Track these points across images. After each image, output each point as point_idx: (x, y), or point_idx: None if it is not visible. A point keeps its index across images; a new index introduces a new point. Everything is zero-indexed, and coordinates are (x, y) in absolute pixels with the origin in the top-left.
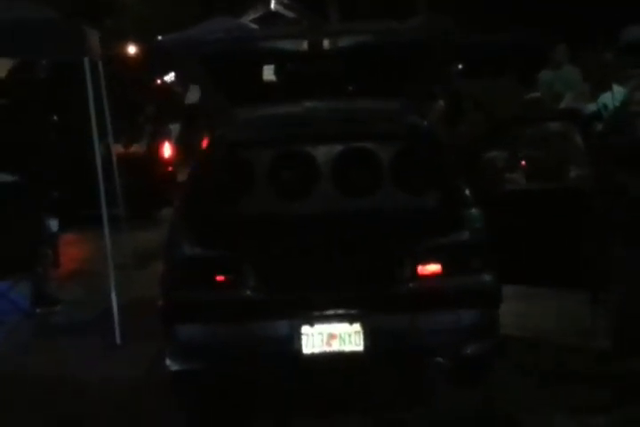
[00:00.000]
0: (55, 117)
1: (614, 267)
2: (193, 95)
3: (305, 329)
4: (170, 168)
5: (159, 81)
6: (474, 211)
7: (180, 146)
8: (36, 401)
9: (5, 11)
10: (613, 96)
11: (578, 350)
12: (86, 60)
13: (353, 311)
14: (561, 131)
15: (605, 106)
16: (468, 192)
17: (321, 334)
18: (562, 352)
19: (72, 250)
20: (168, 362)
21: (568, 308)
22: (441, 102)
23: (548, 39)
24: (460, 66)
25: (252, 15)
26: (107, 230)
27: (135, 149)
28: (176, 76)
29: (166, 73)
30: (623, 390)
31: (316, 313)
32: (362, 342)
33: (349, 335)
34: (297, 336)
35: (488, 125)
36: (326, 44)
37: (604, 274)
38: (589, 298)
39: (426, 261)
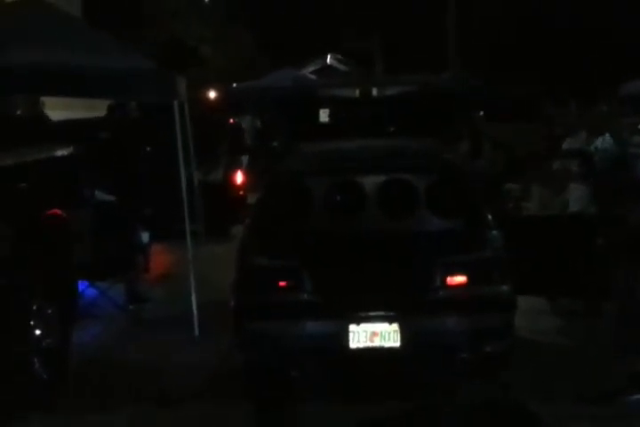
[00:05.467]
0: (148, 149)
1: (616, 282)
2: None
3: (352, 327)
4: (241, 192)
5: (232, 120)
6: (495, 232)
7: (249, 174)
8: (128, 381)
9: (116, 58)
10: (604, 140)
11: (578, 349)
12: (176, 102)
13: (392, 313)
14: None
15: (596, 148)
16: (490, 217)
17: (365, 331)
18: (565, 351)
19: (160, 258)
20: (237, 353)
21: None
22: (466, 142)
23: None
24: (482, 112)
25: (312, 68)
26: (189, 242)
27: (213, 176)
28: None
29: (238, 114)
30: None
31: (362, 314)
32: (399, 339)
33: (389, 333)
34: (345, 333)
35: (506, 162)
36: (374, 92)
37: (603, 288)
38: (585, 308)
39: (454, 274)
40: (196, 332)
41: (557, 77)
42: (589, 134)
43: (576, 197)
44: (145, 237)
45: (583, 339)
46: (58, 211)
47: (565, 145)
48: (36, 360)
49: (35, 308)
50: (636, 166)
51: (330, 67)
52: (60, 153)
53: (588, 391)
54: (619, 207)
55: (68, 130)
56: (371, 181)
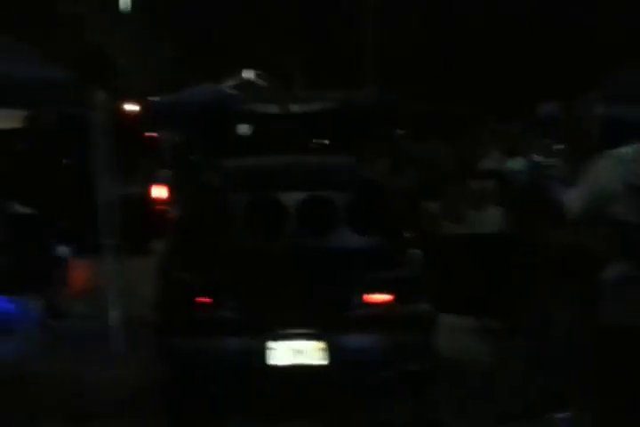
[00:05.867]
0: (65, 161)
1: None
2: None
3: (272, 345)
4: (162, 206)
5: (151, 134)
6: (415, 250)
7: (169, 188)
8: (46, 398)
9: (32, 68)
10: (518, 161)
11: (502, 367)
12: (93, 114)
13: (312, 331)
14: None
15: (511, 169)
16: (409, 234)
17: (287, 349)
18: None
19: (79, 272)
20: (159, 369)
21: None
22: (385, 159)
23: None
24: (400, 130)
25: (231, 82)
26: (109, 257)
27: (133, 190)
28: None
29: (157, 128)
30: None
31: (281, 331)
32: (320, 357)
33: (309, 351)
34: (265, 350)
35: (423, 180)
36: (293, 108)
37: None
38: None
39: (374, 291)
40: (117, 347)
41: (477, 94)
42: (503, 154)
43: (492, 217)
44: (64, 250)
45: (506, 357)
46: None
47: (483, 164)
48: None
49: None
50: (550, 188)
51: (249, 82)
52: None
53: (514, 410)
54: (534, 228)
55: None
56: (290, 198)
